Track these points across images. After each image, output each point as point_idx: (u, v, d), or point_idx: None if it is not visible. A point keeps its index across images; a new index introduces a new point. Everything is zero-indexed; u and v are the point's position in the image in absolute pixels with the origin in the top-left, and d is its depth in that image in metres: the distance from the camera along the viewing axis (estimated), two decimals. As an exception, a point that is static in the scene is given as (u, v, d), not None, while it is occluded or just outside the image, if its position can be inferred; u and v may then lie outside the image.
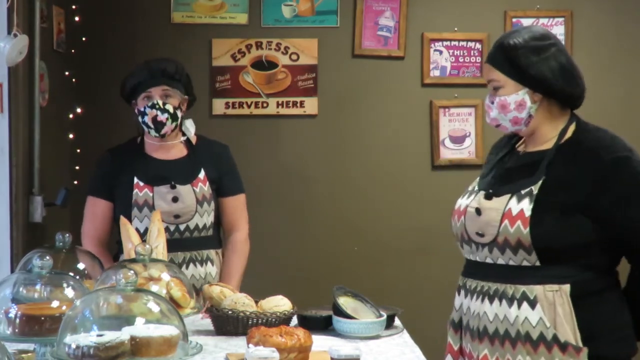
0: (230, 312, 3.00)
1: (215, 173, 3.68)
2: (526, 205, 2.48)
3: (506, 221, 2.50)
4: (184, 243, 3.60)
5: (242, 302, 3.03)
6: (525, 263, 2.49)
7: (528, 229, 2.46)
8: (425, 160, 4.90)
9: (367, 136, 4.89)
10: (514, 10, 4.86)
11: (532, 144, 2.64)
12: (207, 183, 3.64)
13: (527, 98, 2.57)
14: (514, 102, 2.57)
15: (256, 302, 3.09)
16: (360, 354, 2.54)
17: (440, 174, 4.89)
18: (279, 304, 3.06)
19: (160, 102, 3.57)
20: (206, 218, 3.64)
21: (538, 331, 2.46)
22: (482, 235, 2.56)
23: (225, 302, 3.04)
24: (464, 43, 4.88)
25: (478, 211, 2.57)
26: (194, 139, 3.71)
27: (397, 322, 3.20)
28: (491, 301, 2.53)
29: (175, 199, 3.58)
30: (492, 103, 2.62)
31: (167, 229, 3.55)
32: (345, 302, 3.06)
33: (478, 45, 4.85)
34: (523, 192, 2.51)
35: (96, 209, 3.66)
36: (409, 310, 3.53)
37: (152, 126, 3.58)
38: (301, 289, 4.07)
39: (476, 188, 2.66)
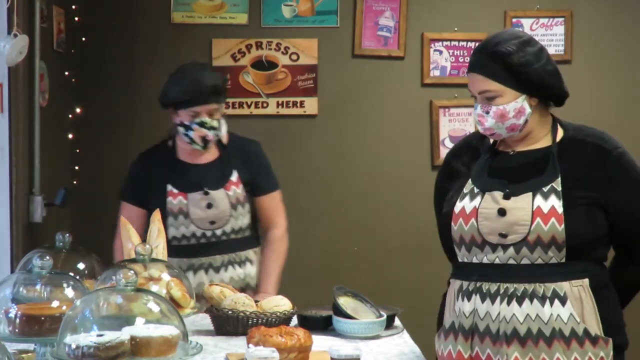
0: (230, 312, 3.00)
1: (248, 174, 3.63)
2: (556, 203, 2.48)
3: (538, 219, 2.48)
4: (221, 246, 3.59)
5: (242, 302, 3.03)
6: (552, 260, 2.49)
7: (563, 225, 2.46)
8: (425, 160, 4.90)
9: (367, 136, 4.89)
10: (514, 10, 4.86)
11: (523, 144, 2.61)
12: (241, 185, 3.60)
13: (525, 104, 2.54)
14: (513, 109, 2.54)
15: (256, 302, 3.09)
16: (360, 354, 2.54)
17: (440, 174, 4.87)
18: (279, 304, 3.06)
19: (209, 121, 3.51)
20: (241, 220, 3.61)
21: (569, 327, 2.47)
22: (505, 236, 2.52)
23: (225, 302, 3.04)
24: (464, 43, 4.87)
25: (502, 212, 2.52)
26: (225, 138, 3.65)
27: (397, 322, 3.20)
28: (520, 302, 2.49)
29: (209, 206, 3.54)
30: (487, 113, 2.56)
31: (203, 235, 3.55)
32: (345, 302, 3.05)
33: (478, 45, 4.85)
34: (545, 189, 2.50)
35: (128, 214, 3.53)
36: (409, 310, 3.53)
37: (200, 144, 3.54)
38: (301, 289, 4.06)
39: (475, 189, 2.61)
